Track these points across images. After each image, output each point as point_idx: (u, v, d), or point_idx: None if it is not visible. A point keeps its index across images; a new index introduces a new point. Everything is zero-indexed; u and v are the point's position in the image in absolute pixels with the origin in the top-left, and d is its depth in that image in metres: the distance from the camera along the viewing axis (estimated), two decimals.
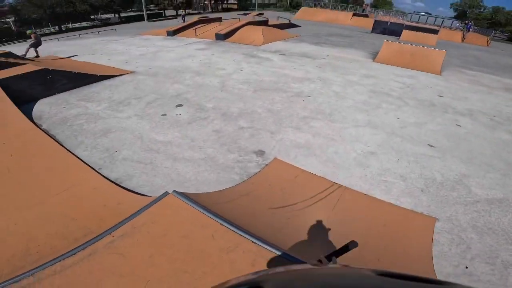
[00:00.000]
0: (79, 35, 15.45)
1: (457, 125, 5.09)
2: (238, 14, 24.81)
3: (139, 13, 28.15)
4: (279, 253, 1.71)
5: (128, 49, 10.33)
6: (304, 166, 3.57)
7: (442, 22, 26.40)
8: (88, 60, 8.39)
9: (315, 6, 35.62)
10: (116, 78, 6.68)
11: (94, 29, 18.31)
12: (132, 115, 4.79)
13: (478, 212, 2.99)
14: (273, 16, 24.10)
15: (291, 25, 19.75)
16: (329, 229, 2.68)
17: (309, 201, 3.16)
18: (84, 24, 23.35)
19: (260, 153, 3.82)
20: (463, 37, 24.24)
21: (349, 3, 42.74)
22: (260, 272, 0.35)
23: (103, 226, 1.94)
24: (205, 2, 43.13)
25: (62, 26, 21.27)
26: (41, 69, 5.50)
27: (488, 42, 24.29)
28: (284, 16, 24.37)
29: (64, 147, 3.62)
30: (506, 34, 41.43)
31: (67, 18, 21.69)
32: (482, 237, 2.67)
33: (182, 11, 25.50)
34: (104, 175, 3.16)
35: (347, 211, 3.05)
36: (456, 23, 30.98)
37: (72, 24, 22.17)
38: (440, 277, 2.26)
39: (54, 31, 20.07)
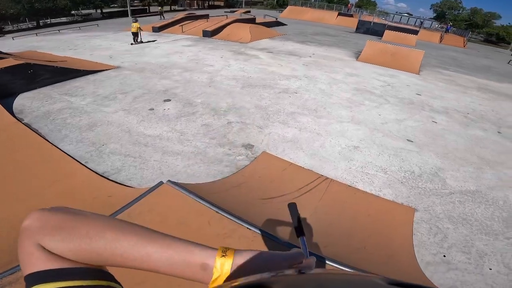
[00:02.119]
0: (59, 30, 14.85)
1: (433, 121, 5.41)
2: (225, 12, 24.63)
3: (122, 9, 27.35)
4: (273, 238, 1.81)
5: (112, 44, 10.09)
6: (292, 159, 3.70)
7: (422, 23, 27.39)
8: (69, 55, 8.13)
9: (302, 5, 35.99)
10: (101, 73, 6.55)
11: (75, 25, 17.62)
12: (118, 109, 4.74)
13: (453, 203, 3.19)
14: (260, 14, 24.18)
15: (277, 23, 19.92)
16: (317, 218, 2.82)
17: (297, 193, 3.28)
18: (64, 19, 22.41)
19: (249, 146, 3.91)
20: (441, 38, 25.38)
21: (334, 2, 43.48)
22: (270, 274, 0.33)
23: None
24: None
25: (40, 21, 20.31)
26: (22, 63, 5.31)
27: (465, 43, 25.56)
28: (271, 14, 24.50)
29: (48, 141, 3.56)
30: (483, 36, 43.65)
31: (46, 13, 20.72)
32: (457, 227, 2.85)
33: (160, 8, 24.05)
34: (92, 169, 3.15)
35: (333, 202, 3.21)
36: (435, 24, 32.28)
37: (51, 20, 21.20)
38: (420, 263, 2.40)
39: (31, 26, 19.11)
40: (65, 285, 0.31)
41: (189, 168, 3.36)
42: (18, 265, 1.65)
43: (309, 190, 3.36)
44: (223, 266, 0.37)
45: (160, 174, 3.20)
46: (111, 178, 3.06)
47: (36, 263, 0.32)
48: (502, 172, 3.95)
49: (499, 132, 5.33)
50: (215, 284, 0.37)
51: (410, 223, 2.94)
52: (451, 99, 6.99)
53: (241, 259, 0.38)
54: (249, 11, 27.47)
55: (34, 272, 0.31)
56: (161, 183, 2.20)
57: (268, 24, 17.82)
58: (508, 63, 17.53)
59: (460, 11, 48.42)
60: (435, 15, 50.88)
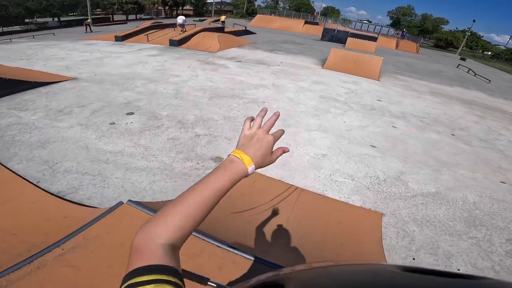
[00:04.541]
0: (10, 39, 13.65)
1: (393, 126, 5.74)
2: (193, 20, 24.43)
3: (82, 17, 25.97)
4: (245, 255, 1.75)
5: (69, 54, 9.45)
6: (262, 171, 3.64)
7: (380, 30, 29.31)
8: (20, 65, 7.45)
9: (271, 13, 36.93)
10: (55, 84, 6.06)
11: (29, 33, 16.32)
12: (74, 124, 4.40)
13: (417, 206, 3.33)
14: (229, 23, 24.33)
15: (246, 32, 20.16)
16: (289, 230, 2.79)
17: (269, 204, 3.24)
18: (18, 28, 20.73)
19: (218, 159, 3.82)
20: (397, 44, 27.43)
21: (301, 11, 45.24)
22: (281, 271, 0.35)
23: (49, 240, 1.79)
24: (159, 8, 41.63)
25: None
26: None
27: (418, 49, 27.88)
28: (240, 23, 24.77)
29: None
30: (433, 41, 47.98)
31: None
32: (422, 229, 2.96)
33: (89, 20, 18.63)
34: (44, 189, 2.86)
35: (305, 211, 3.21)
36: (392, 31, 34.83)
37: (3, 28, 19.47)
38: None
39: None
40: (162, 278, 0.38)
41: (155, 185, 3.19)
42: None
43: (281, 201, 3.33)
44: (241, 154, 0.58)
45: (122, 192, 3.01)
46: (67, 198, 2.81)
47: (150, 258, 0.42)
48: (458, 172, 4.25)
49: (452, 135, 5.79)
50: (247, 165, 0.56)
51: (379, 228, 3.02)
52: (407, 104, 7.51)
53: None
54: (218, 20, 27.51)
55: (147, 266, 0.40)
56: (120, 203, 2.04)
57: (237, 33, 17.96)
58: (457, 67, 19.40)
59: (413, 17, 52.88)
60: (391, 21, 55.00)
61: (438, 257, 2.62)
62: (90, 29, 16.92)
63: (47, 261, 1.58)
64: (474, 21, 37.27)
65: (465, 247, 2.80)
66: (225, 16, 25.00)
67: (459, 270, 2.51)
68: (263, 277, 0.32)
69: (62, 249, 1.65)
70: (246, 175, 0.58)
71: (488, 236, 2.99)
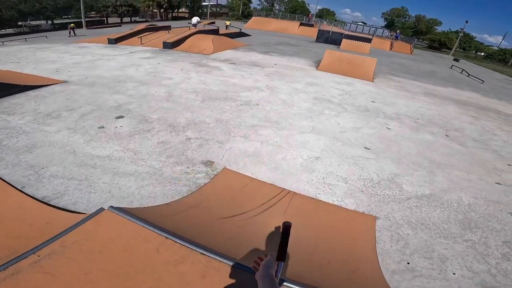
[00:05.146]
0: (2, 42, 13.49)
1: (387, 128, 5.71)
2: (188, 23, 24.40)
3: (77, 20, 25.82)
4: (230, 263, 1.69)
5: (61, 57, 9.32)
6: (254, 174, 3.59)
7: (375, 31, 29.54)
8: (10, 68, 7.32)
9: (266, 15, 37.04)
10: (44, 88, 5.95)
11: (21, 36, 16.15)
12: (62, 128, 4.30)
13: (411, 209, 3.28)
14: (224, 25, 24.33)
15: (241, 34, 20.16)
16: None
17: (260, 208, 3.17)
18: (10, 30, 20.53)
19: (209, 163, 3.74)
20: (391, 45, 27.65)
21: (297, 13, 45.46)
22: None
23: (30, 246, 1.77)
24: (154, 10, 41.53)
25: None
26: None
27: (411, 50, 28.11)
28: (235, 26, 24.76)
29: None
30: (426, 42, 48.47)
31: None
32: (417, 233, 2.90)
33: (72, 24, 17.73)
34: (29, 194, 2.78)
35: (297, 215, 3.14)
36: (386, 32, 35.13)
37: None
38: (386, 273, 2.36)
39: None
40: None
41: (143, 189, 3.11)
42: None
43: (272, 205, 3.26)
44: None
45: (109, 197, 2.92)
46: (52, 204, 2.72)
47: None
48: (453, 174, 4.21)
49: (446, 135, 5.77)
50: None
51: (373, 231, 2.96)
52: (402, 105, 7.49)
53: None
54: (213, 22, 27.52)
55: None
56: (101, 209, 1.98)
57: (232, 35, 17.95)
58: (450, 67, 19.56)
59: (407, 19, 53.40)
60: (385, 23, 55.50)
61: (433, 261, 2.57)
62: (74, 33, 16.54)
63: (22, 267, 1.55)
64: (466, 22, 37.67)
65: (461, 250, 2.75)
66: (229, 22, 25.01)
67: (454, 274, 2.46)
68: None
69: (38, 256, 1.62)
70: None
71: (484, 239, 2.94)
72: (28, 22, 24.15)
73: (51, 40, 14.40)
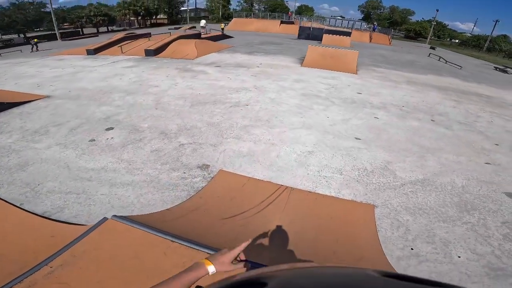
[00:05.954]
0: None
1: (375, 117, 5.86)
2: (169, 29, 24.11)
3: (49, 32, 25.03)
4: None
5: (40, 71, 9.05)
6: (250, 174, 3.62)
7: (353, 24, 30.05)
8: None
9: (246, 16, 37.05)
10: (27, 104, 5.78)
11: None
12: (52, 144, 4.20)
13: (407, 195, 3.34)
14: (219, 28, 24.19)
15: (224, 37, 20.12)
16: (282, 230, 2.76)
17: (260, 206, 3.20)
18: None
19: (205, 167, 3.75)
20: (370, 37, 28.24)
21: (276, 11, 45.71)
22: (264, 269, 0.35)
23: (39, 258, 1.78)
24: (131, 18, 40.79)
25: None
26: None
27: (390, 41, 28.81)
28: (216, 28, 24.70)
29: None
30: (403, 32, 49.74)
31: None
32: (416, 218, 2.94)
33: (35, 40, 16.50)
34: (29, 210, 2.73)
35: (296, 210, 3.19)
36: (364, 25, 35.83)
37: None
38: (391, 260, 2.37)
39: None
40: None
41: (142, 198, 3.09)
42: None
43: (271, 202, 3.30)
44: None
45: (110, 208, 2.91)
46: (53, 218, 2.70)
47: None
48: (442, 157, 4.34)
49: (432, 120, 5.98)
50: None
51: (373, 220, 3.02)
52: (386, 95, 7.70)
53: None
54: (194, 27, 27.31)
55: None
56: (105, 219, 2.00)
57: (215, 38, 17.89)
58: (428, 56, 20.19)
59: (382, 10, 54.59)
60: (362, 16, 56.57)
61: (436, 245, 2.58)
62: (37, 49, 15.86)
63: (37, 279, 1.57)
64: (437, 10, 39.40)
65: (461, 233, 2.77)
66: (223, 25, 24.97)
67: (459, 257, 2.46)
68: (246, 274, 0.34)
69: (51, 267, 1.64)
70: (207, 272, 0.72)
71: (482, 220, 2.98)
72: (0, 37, 23.29)
73: (27, 54, 13.93)
